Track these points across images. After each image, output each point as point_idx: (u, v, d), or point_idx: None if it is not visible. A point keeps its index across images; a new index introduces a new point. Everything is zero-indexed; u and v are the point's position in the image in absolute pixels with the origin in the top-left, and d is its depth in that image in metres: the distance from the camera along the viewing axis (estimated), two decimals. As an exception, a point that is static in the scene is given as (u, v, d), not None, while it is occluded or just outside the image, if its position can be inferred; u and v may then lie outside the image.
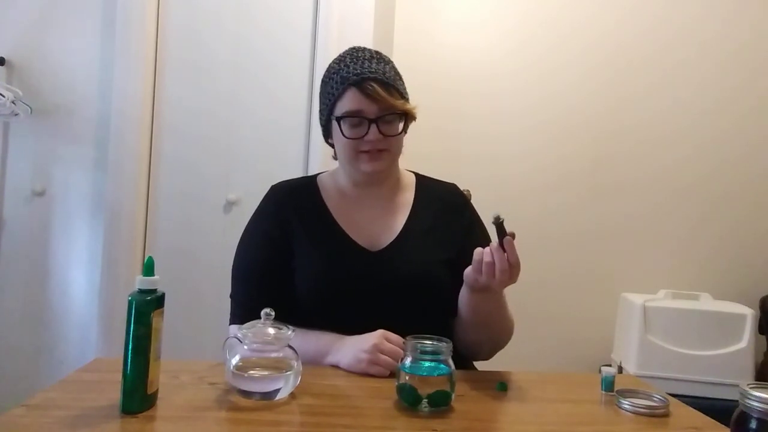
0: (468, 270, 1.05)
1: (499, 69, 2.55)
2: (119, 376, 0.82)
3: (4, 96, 2.07)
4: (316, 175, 1.35)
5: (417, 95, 2.37)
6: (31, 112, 2.19)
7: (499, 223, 1.01)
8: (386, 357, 1.03)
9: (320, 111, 1.24)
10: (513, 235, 1.01)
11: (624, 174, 2.56)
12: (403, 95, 1.19)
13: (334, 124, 1.18)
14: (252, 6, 2.21)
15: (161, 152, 2.21)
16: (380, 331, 1.06)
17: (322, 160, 2.07)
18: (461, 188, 1.36)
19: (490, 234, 1.12)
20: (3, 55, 2.19)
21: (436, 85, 2.52)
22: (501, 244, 1.01)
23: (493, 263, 1.00)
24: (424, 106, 2.42)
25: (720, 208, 2.57)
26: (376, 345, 1.03)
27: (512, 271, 1.01)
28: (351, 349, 1.06)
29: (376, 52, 1.21)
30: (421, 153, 2.07)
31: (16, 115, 2.15)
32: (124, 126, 2.16)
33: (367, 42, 2.15)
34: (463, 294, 1.09)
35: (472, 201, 1.37)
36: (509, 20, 2.55)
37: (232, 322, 1.21)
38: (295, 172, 2.17)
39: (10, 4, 2.21)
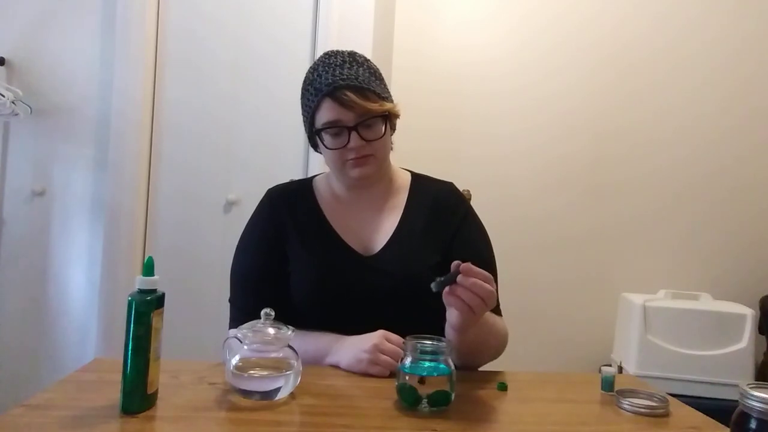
0: (450, 315, 1.01)
1: (499, 69, 2.55)
2: (119, 376, 0.82)
3: (4, 96, 2.07)
4: (312, 178, 1.34)
5: (417, 95, 2.43)
6: (31, 112, 2.19)
7: (442, 287, 0.94)
8: (386, 357, 1.02)
9: (303, 123, 1.23)
10: (465, 270, 0.93)
11: (624, 174, 2.56)
12: (380, 96, 1.16)
13: (317, 135, 1.18)
14: (252, 6, 2.21)
15: (161, 152, 2.21)
16: (380, 332, 1.06)
17: (321, 160, 2.06)
18: (461, 188, 1.35)
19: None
20: (3, 55, 2.19)
21: (435, 85, 2.52)
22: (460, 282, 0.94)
23: (463, 302, 0.95)
24: (424, 106, 2.47)
25: (720, 208, 2.57)
26: (377, 345, 1.03)
27: (485, 298, 0.95)
28: (351, 349, 1.06)
29: (350, 54, 1.18)
30: (420, 153, 2.08)
31: (16, 115, 2.15)
32: (124, 126, 2.16)
33: (367, 42, 2.15)
34: (450, 336, 1.04)
35: (472, 202, 1.36)
36: (509, 20, 2.55)
37: (232, 326, 1.20)
38: (295, 172, 2.18)
39: (10, 4, 2.21)
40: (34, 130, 2.22)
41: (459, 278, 0.94)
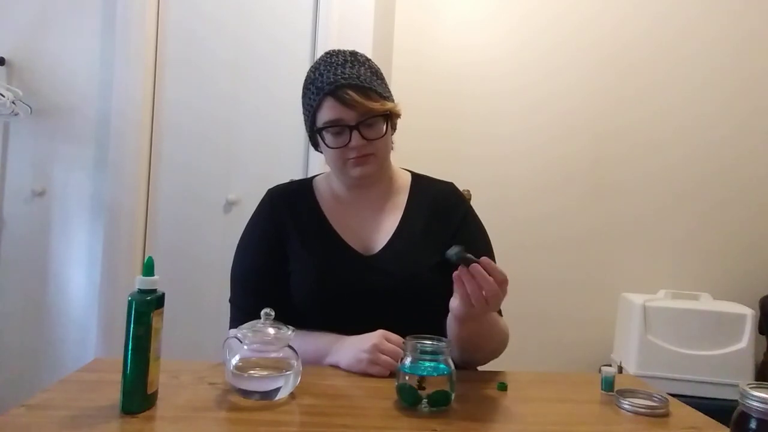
0: (452, 302, 1.01)
1: (499, 69, 2.55)
2: (119, 376, 0.82)
3: (4, 96, 2.07)
4: (312, 178, 1.34)
5: (417, 95, 2.43)
6: (31, 112, 2.19)
7: (458, 260, 0.93)
8: (386, 357, 1.02)
9: (304, 122, 1.23)
10: (485, 264, 0.94)
11: (624, 174, 2.56)
12: (382, 95, 1.16)
13: (318, 134, 1.18)
14: (252, 6, 2.21)
15: (161, 152, 2.21)
16: (380, 331, 1.06)
17: (322, 160, 2.06)
18: (461, 188, 1.35)
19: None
20: (3, 55, 2.19)
21: (436, 85, 2.52)
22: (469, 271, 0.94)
23: (467, 293, 0.95)
24: (424, 106, 2.47)
25: (720, 208, 2.56)
26: (376, 345, 1.03)
27: (489, 297, 0.95)
28: (351, 349, 1.06)
29: (351, 54, 1.19)
30: (420, 153, 2.08)
31: (16, 115, 2.15)
32: (124, 126, 2.16)
33: (367, 42, 2.15)
34: (450, 324, 1.05)
35: (472, 202, 1.36)
36: (509, 20, 2.55)
37: (232, 326, 1.20)
38: (295, 172, 2.18)
39: (10, 4, 2.21)
40: (34, 130, 2.22)
41: (472, 267, 0.94)
